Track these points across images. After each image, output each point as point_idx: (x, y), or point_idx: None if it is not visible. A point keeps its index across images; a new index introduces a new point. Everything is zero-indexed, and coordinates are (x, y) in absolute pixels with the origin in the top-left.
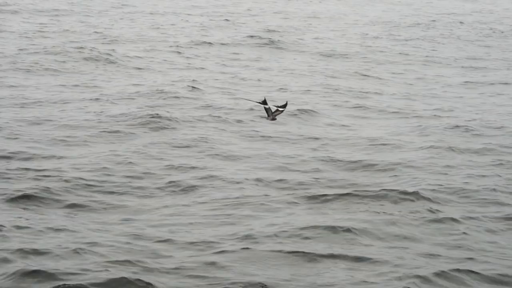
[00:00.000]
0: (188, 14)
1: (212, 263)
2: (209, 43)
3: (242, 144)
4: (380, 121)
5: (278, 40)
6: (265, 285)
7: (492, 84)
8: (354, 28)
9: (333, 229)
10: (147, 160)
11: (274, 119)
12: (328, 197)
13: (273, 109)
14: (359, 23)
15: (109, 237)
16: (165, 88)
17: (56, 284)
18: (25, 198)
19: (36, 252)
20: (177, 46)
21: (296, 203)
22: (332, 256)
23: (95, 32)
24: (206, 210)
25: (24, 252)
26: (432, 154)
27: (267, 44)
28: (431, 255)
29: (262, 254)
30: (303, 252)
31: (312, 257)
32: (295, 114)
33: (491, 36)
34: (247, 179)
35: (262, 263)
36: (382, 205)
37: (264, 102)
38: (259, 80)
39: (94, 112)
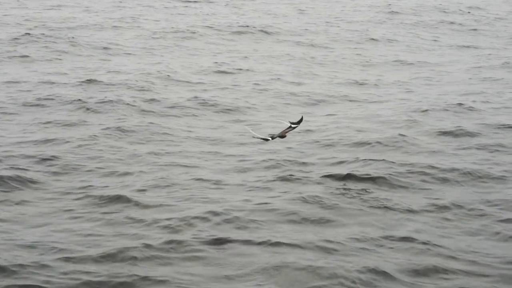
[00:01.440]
0: (187, 1)
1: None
2: (195, 32)
3: (204, 132)
4: (360, 110)
5: (269, 31)
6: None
7: (486, 69)
8: (353, 14)
9: (282, 213)
10: (112, 148)
11: (283, 136)
12: (286, 180)
13: (286, 125)
14: (358, 6)
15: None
16: (140, 76)
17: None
18: None
19: None
20: (164, 33)
21: (253, 185)
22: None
23: (88, 17)
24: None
25: None
26: (401, 139)
27: (258, 32)
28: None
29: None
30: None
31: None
32: (273, 105)
33: (492, 23)
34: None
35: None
36: (330, 188)
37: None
38: (240, 69)
39: (63, 100)
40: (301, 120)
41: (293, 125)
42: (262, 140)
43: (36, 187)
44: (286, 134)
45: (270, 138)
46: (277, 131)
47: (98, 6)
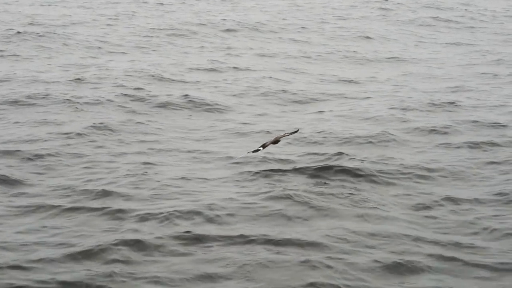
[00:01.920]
0: None
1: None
2: (189, 29)
3: (193, 130)
4: (351, 107)
5: (264, 29)
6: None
7: (480, 66)
8: (349, 10)
9: (267, 211)
10: (89, 145)
11: (277, 141)
12: (272, 178)
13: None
14: (355, 2)
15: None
16: (132, 74)
17: None
18: None
19: None
20: (158, 30)
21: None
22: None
23: (83, 14)
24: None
25: None
26: (391, 137)
27: (253, 29)
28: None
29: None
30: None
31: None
32: (266, 103)
33: (488, 20)
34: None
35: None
36: (317, 185)
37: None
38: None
39: (53, 98)
40: (295, 132)
41: (287, 134)
42: (255, 152)
43: (23, 185)
44: (280, 139)
45: (261, 148)
46: (276, 132)
47: (94, 2)
